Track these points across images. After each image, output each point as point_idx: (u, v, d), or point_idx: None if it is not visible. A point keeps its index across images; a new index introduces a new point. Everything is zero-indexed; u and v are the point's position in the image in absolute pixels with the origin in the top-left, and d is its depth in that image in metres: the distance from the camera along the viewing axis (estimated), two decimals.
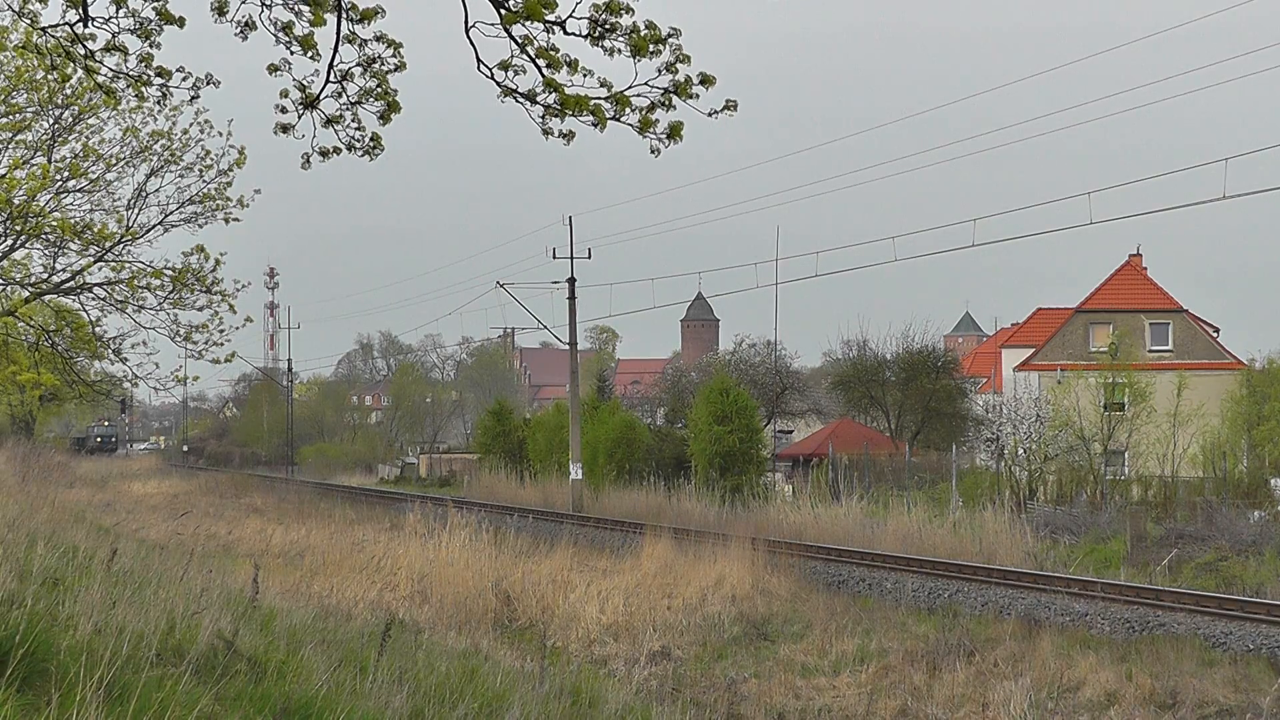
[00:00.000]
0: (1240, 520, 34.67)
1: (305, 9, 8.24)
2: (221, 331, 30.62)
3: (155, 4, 8.70)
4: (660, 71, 8.25)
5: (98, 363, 37.58)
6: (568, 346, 54.69)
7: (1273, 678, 19.42)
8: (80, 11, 8.87)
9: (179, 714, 7.42)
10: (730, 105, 8.38)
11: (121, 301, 30.26)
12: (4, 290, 31.68)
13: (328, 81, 8.54)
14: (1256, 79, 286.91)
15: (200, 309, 30.42)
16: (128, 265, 30.19)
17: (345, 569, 30.43)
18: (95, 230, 29.48)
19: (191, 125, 30.33)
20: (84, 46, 9.07)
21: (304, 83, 8.61)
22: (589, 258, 54.03)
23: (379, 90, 8.57)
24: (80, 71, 11.19)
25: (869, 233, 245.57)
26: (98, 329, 31.56)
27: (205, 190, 30.98)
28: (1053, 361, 60.79)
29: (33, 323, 33.19)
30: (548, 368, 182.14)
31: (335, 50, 8.39)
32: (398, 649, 11.99)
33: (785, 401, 68.26)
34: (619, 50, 8.10)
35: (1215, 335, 65.76)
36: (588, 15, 8.06)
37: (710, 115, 8.40)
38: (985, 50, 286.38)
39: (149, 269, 29.93)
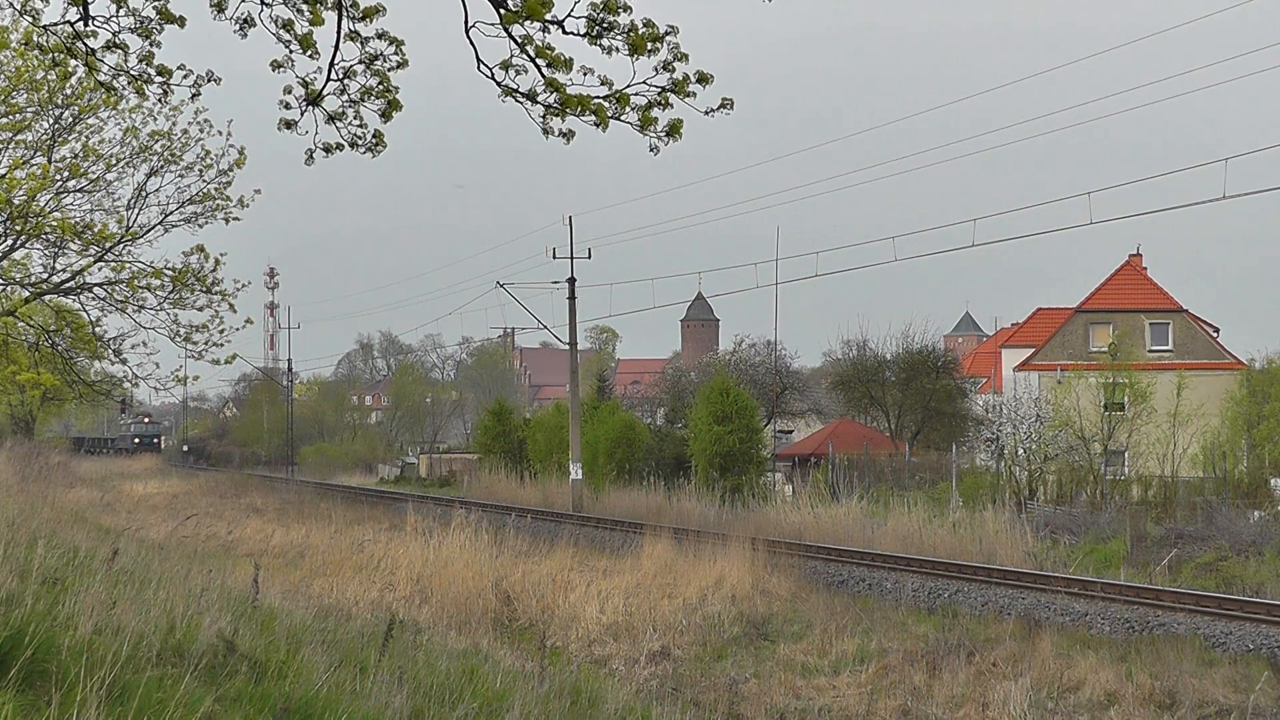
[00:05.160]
0: (1240, 520, 34.65)
1: (304, 6, 8.25)
2: (222, 332, 30.66)
3: (156, 3, 8.71)
4: (658, 70, 8.26)
5: (98, 363, 37.60)
6: (568, 346, 54.67)
7: (1273, 678, 19.41)
8: (81, 10, 8.87)
9: (179, 714, 7.42)
10: (726, 104, 8.39)
11: (121, 301, 30.27)
12: (4, 290, 31.70)
13: (329, 79, 8.55)
14: (1256, 79, 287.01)
15: (200, 309, 30.47)
16: (128, 265, 30.23)
17: (345, 569, 30.42)
18: (95, 230, 29.49)
19: (191, 125, 30.37)
20: (85, 44, 9.07)
21: (307, 79, 8.62)
22: (589, 258, 54.10)
23: (380, 88, 8.58)
24: (81, 69, 11.20)
25: (869, 233, 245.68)
26: (98, 329, 31.60)
27: (205, 190, 31.01)
28: (1053, 361, 60.78)
29: (33, 323, 33.20)
30: (548, 368, 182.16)
31: (337, 48, 8.40)
32: (398, 649, 11.99)
33: (785, 401, 68.28)
34: (617, 49, 8.11)
35: (1215, 335, 65.75)
36: (586, 14, 8.07)
37: (707, 114, 8.42)
38: (985, 50, 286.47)
39: (149, 269, 29.95)
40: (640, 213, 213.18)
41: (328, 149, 8.86)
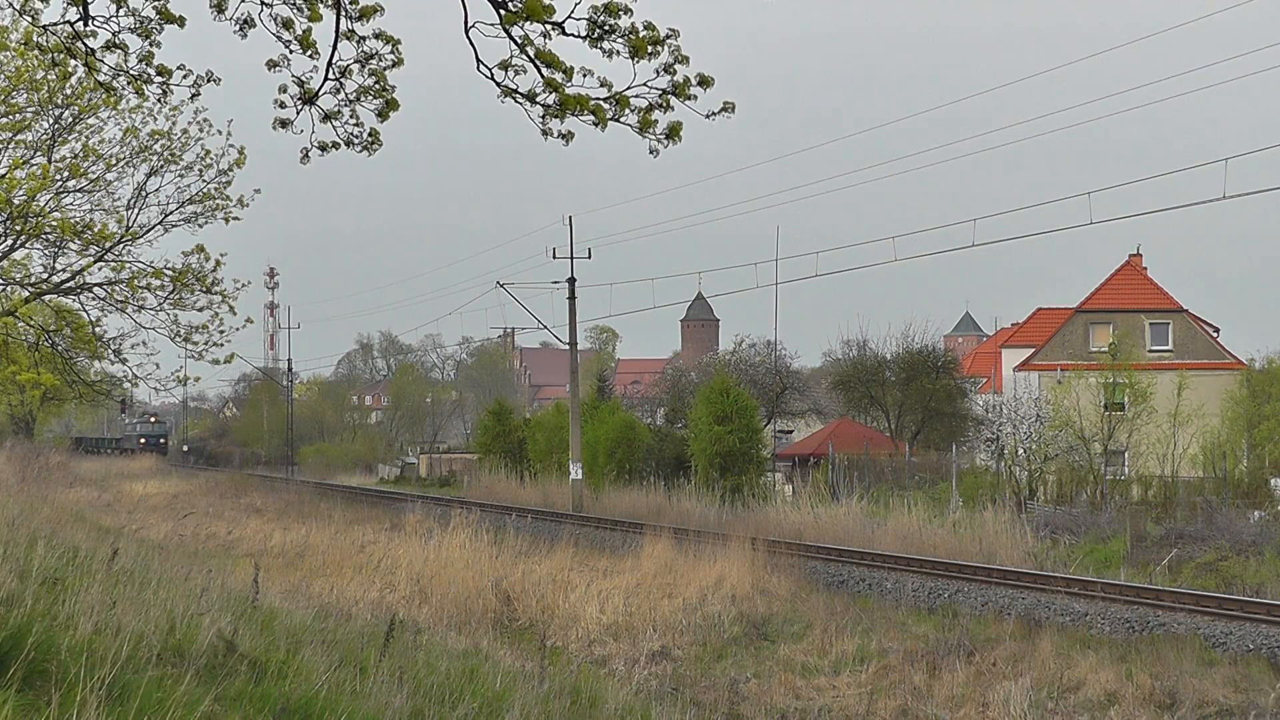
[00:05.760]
0: (1240, 520, 34.65)
1: (303, 4, 8.25)
2: (221, 332, 30.69)
3: (155, 3, 8.72)
4: (659, 72, 8.25)
5: (98, 363, 37.60)
6: (568, 346, 54.67)
7: (1273, 678, 19.42)
8: (81, 10, 8.88)
9: (179, 714, 7.42)
10: (728, 107, 8.39)
11: (121, 301, 30.28)
12: (4, 290, 31.72)
13: (326, 78, 8.56)
14: (1256, 79, 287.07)
15: (200, 309, 30.49)
16: (128, 265, 30.24)
17: (345, 569, 30.42)
18: (95, 230, 29.49)
19: (191, 124, 30.38)
20: (84, 44, 9.07)
21: (303, 78, 8.63)
22: (589, 258, 54.10)
23: (377, 87, 8.58)
24: (81, 69, 11.22)
25: (869, 233, 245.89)
26: (98, 329, 31.61)
27: (205, 190, 31.02)
28: (1053, 361, 60.79)
29: (33, 323, 33.21)
30: (548, 368, 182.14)
31: (334, 47, 8.41)
32: (398, 649, 11.99)
33: (785, 401, 68.30)
34: (617, 52, 8.11)
35: (1215, 335, 65.75)
36: (586, 16, 8.06)
37: (708, 117, 8.42)
38: (985, 50, 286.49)
39: (149, 269, 29.96)
40: (640, 213, 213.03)
41: (323, 148, 8.87)
